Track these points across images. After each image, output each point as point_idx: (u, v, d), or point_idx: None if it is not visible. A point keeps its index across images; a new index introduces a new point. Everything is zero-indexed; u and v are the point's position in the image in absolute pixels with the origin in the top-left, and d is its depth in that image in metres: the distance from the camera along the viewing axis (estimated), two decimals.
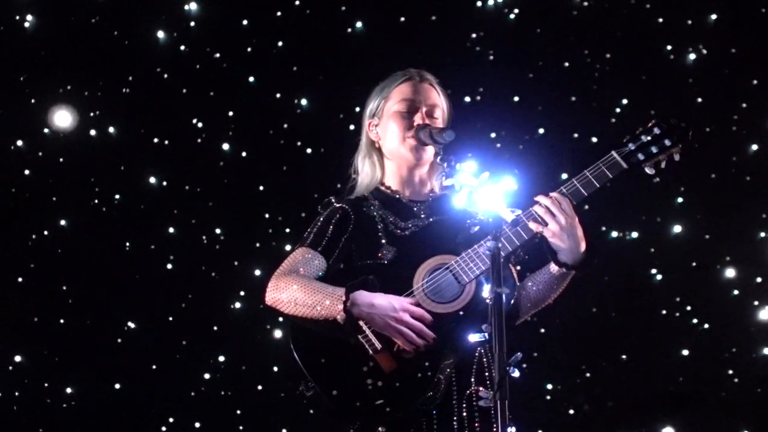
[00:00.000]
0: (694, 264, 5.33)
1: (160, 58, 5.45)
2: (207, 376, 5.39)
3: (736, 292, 5.27)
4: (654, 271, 5.34)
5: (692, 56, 5.35)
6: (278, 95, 5.49)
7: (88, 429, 5.36)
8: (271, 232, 5.43)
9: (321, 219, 3.21)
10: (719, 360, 5.27)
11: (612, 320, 5.33)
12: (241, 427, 5.38)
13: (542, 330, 5.27)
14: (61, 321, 5.36)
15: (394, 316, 2.90)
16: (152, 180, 5.44)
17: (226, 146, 5.47)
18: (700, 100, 5.33)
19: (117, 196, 5.44)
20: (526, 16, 5.42)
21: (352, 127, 4.79)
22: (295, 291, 2.98)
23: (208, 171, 5.46)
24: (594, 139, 5.32)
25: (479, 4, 5.45)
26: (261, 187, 5.48)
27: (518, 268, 3.17)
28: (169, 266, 5.42)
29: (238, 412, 5.38)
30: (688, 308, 5.30)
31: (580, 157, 4.77)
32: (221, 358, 5.39)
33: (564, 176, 4.67)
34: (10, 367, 5.31)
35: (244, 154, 5.48)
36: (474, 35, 5.43)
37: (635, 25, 5.37)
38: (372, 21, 5.47)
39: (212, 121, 5.48)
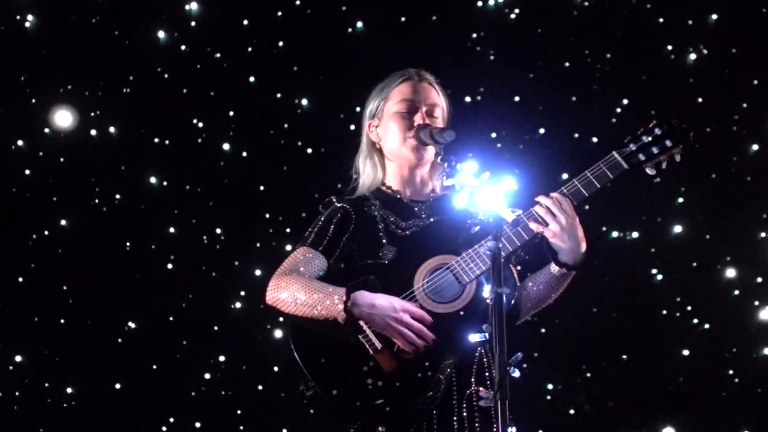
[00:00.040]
0: (694, 264, 5.33)
1: (161, 58, 5.45)
2: (207, 376, 5.39)
3: (736, 292, 5.27)
4: (654, 271, 5.34)
5: (693, 56, 5.35)
6: (279, 95, 5.49)
7: (88, 429, 5.36)
8: (272, 232, 5.43)
9: (322, 218, 3.21)
10: (720, 360, 5.27)
11: (612, 320, 5.33)
12: (241, 427, 5.38)
13: (543, 330, 5.27)
14: (62, 321, 5.36)
15: (394, 316, 2.90)
16: (153, 180, 5.44)
17: (226, 146, 5.47)
18: (700, 100, 5.32)
19: (117, 196, 5.44)
20: (526, 16, 5.42)
21: (352, 127, 4.79)
22: (296, 290, 2.98)
23: (209, 171, 5.46)
24: (594, 139, 5.32)
25: (480, 4, 5.45)
26: (261, 187, 5.48)
27: (519, 268, 3.17)
28: (170, 266, 5.42)
29: (239, 412, 5.38)
30: (689, 308, 5.30)
31: (580, 157, 4.78)
32: (221, 358, 5.39)
33: (564, 176, 4.67)
34: (11, 367, 5.31)
35: (244, 154, 5.48)
36: (474, 35, 5.43)
37: (636, 25, 5.37)
38: (372, 21, 5.47)
39: (213, 121, 5.48)
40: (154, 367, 5.37)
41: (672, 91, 5.32)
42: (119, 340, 5.37)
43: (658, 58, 5.36)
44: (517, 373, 2.41)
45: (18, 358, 5.33)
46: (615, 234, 5.33)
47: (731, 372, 5.25)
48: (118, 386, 5.35)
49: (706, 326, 5.28)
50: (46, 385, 5.33)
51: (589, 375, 5.34)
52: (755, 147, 5.29)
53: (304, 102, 5.48)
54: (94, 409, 5.32)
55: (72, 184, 5.42)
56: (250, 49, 5.49)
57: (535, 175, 4.25)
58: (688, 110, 5.21)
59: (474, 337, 2.74)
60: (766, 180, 5.26)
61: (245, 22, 5.50)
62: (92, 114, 5.42)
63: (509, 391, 2.37)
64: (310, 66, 5.45)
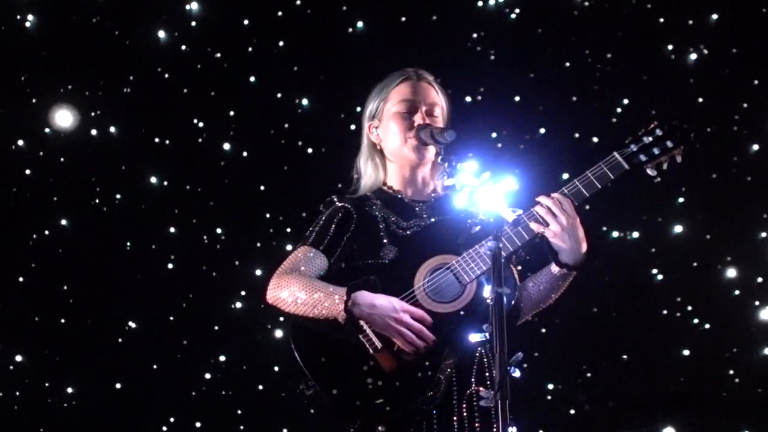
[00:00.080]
0: (695, 264, 5.33)
1: (161, 57, 5.45)
2: (208, 375, 5.39)
3: (737, 292, 5.26)
4: (655, 271, 5.34)
5: (693, 56, 5.35)
6: (279, 95, 5.49)
7: (88, 429, 5.36)
8: (272, 232, 5.43)
9: (323, 218, 3.21)
10: (720, 360, 5.26)
11: (613, 320, 5.33)
12: (241, 427, 5.38)
13: (543, 330, 5.26)
14: (62, 321, 5.36)
15: (394, 316, 2.90)
16: (153, 180, 5.44)
17: (227, 146, 5.47)
18: (701, 100, 5.32)
19: (118, 196, 5.44)
20: (526, 16, 5.42)
21: (352, 127, 4.79)
22: (297, 290, 2.99)
23: (209, 171, 5.46)
24: (595, 139, 5.32)
25: (480, 4, 5.45)
26: (262, 187, 5.48)
27: (519, 268, 3.17)
28: (170, 266, 5.42)
29: (239, 411, 5.38)
30: (689, 308, 5.30)
31: (580, 157, 4.78)
32: (222, 358, 5.39)
33: (565, 176, 4.67)
34: (11, 367, 5.31)
35: (245, 153, 5.48)
36: (475, 35, 5.43)
37: (636, 25, 5.37)
38: (372, 21, 5.47)
39: (213, 120, 5.48)
40: (155, 367, 5.37)
41: (672, 91, 5.32)
42: (119, 340, 5.37)
43: (658, 58, 5.36)
44: (517, 373, 2.41)
45: (18, 358, 5.33)
46: (615, 234, 5.33)
47: (731, 372, 5.25)
48: (118, 386, 5.35)
49: (707, 326, 5.28)
50: (47, 385, 5.33)
51: (589, 375, 5.34)
52: (755, 147, 5.29)
53: (305, 102, 5.48)
54: (94, 409, 5.32)
55: (72, 184, 5.42)
56: (250, 49, 5.49)
57: (536, 175, 4.24)
58: (688, 110, 5.21)
59: (474, 337, 2.73)
60: (767, 180, 5.26)
61: (245, 22, 5.50)
62: (92, 114, 5.42)
63: (509, 391, 2.37)
64: (310, 66, 5.45)
